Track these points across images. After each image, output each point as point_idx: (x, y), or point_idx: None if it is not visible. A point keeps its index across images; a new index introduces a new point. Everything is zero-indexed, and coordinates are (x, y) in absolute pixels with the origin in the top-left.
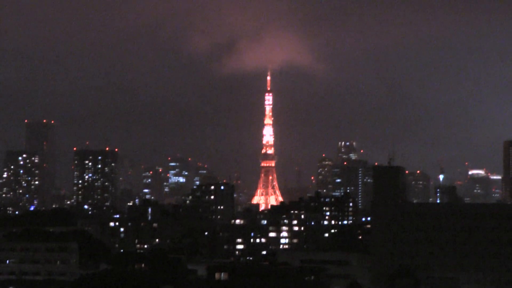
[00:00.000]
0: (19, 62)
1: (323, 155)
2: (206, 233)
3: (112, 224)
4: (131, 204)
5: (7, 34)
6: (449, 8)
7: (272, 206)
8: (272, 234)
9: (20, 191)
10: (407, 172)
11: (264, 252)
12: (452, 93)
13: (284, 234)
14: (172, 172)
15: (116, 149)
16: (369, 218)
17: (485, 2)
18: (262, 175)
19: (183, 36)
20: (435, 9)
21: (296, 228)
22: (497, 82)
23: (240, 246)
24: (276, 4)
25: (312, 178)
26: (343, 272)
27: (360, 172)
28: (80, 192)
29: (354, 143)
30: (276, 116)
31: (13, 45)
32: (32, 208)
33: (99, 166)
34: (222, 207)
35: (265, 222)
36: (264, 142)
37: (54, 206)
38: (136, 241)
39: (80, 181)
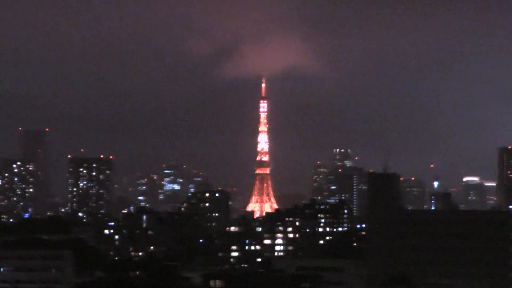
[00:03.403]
0: (13, 70)
1: (318, 162)
2: (201, 240)
3: (107, 231)
4: (126, 211)
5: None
6: (451, 14)
7: (267, 213)
8: (267, 241)
9: (15, 198)
10: (402, 179)
11: (259, 259)
12: (447, 100)
13: (279, 241)
14: (167, 179)
15: (111, 157)
16: (364, 225)
17: (485, 6)
18: (257, 182)
19: (182, 41)
20: (439, 14)
21: (291, 235)
22: (492, 88)
23: (235, 254)
24: (278, 8)
25: (307, 185)
26: (339, 279)
27: (355, 179)
28: (75, 199)
29: (349, 150)
30: (272, 122)
31: (7, 52)
32: (26, 216)
33: (94, 173)
34: (217, 214)
35: (260, 229)
36: (259, 149)
37: (48, 213)
38: (131, 248)
39: (75, 189)
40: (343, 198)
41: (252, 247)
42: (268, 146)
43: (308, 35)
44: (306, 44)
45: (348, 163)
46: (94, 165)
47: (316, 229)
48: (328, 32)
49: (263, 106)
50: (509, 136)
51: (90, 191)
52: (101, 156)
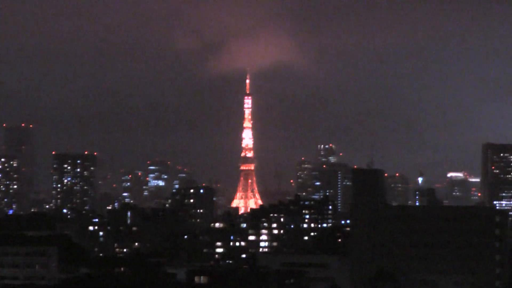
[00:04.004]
0: None
1: (303, 158)
2: (185, 236)
3: (91, 228)
4: (110, 208)
5: None
6: (439, 11)
7: (251, 209)
8: (251, 238)
9: None
10: (386, 175)
11: (243, 256)
12: (432, 96)
13: (264, 237)
14: (152, 175)
15: (95, 153)
16: (348, 221)
17: (472, 7)
18: (242, 178)
19: (170, 37)
20: (426, 11)
21: (275, 231)
22: (476, 85)
23: (219, 250)
24: (266, 5)
25: (292, 181)
26: (323, 275)
27: (339, 175)
28: (59, 196)
29: (333, 146)
30: (256, 119)
31: None
32: (10, 212)
33: (78, 170)
34: (201, 210)
35: (244, 225)
36: (243, 145)
37: (33, 210)
38: (116, 245)
39: (59, 185)
40: (327, 194)
41: (237, 243)
42: (252, 142)
43: (295, 31)
44: (293, 40)
45: (332, 159)
46: (79, 161)
47: (301, 225)
48: (314, 29)
49: (248, 102)
50: (493, 132)
51: (75, 188)
52: (86, 152)
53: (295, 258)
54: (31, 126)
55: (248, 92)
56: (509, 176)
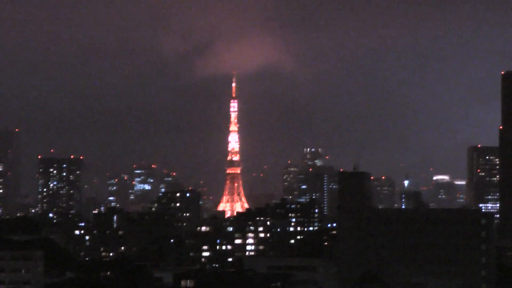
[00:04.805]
0: None
1: (289, 161)
2: (172, 240)
3: (77, 232)
4: (96, 212)
5: None
6: (428, 12)
7: (238, 213)
8: (238, 241)
9: None
10: (372, 177)
11: (230, 259)
12: (418, 99)
13: (250, 240)
14: (138, 179)
15: (81, 157)
16: (334, 224)
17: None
18: (228, 182)
19: (156, 40)
20: (416, 13)
21: (262, 235)
22: (462, 88)
23: (206, 253)
24: (254, 6)
25: (278, 184)
26: (310, 278)
27: (325, 178)
28: (45, 200)
29: (319, 150)
30: (243, 122)
31: None
32: None
33: (64, 174)
34: (188, 214)
35: (231, 229)
36: (229, 149)
37: (18, 214)
38: (102, 249)
39: (45, 189)
40: (313, 197)
41: (223, 247)
42: (238, 145)
43: (282, 34)
44: (280, 43)
45: (318, 163)
46: (64, 165)
47: (287, 228)
48: (301, 32)
49: (234, 105)
50: (479, 134)
51: (60, 192)
52: (71, 156)
53: (281, 261)
54: (16, 129)
55: (234, 95)
56: (495, 178)
